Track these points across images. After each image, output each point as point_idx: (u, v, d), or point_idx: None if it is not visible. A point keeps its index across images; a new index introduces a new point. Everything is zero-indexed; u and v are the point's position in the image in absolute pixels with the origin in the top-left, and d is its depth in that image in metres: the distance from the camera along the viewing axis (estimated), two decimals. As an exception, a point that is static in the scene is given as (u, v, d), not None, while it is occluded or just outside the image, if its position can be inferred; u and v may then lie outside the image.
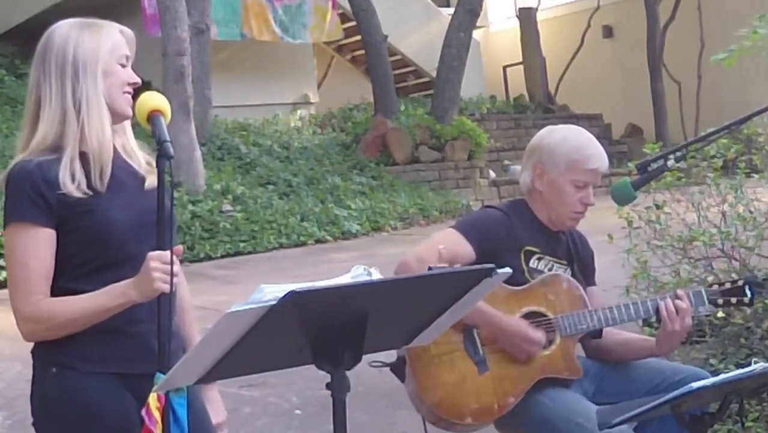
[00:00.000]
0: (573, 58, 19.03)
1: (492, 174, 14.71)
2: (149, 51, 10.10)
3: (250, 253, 10.15)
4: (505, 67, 20.69)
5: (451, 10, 15.76)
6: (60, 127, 2.41)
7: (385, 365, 3.10)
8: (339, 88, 17.31)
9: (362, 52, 16.29)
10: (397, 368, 3.14)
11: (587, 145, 3.25)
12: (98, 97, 2.42)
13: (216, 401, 2.63)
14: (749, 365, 2.42)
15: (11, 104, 13.26)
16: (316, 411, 4.94)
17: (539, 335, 3.08)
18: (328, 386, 1.96)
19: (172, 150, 2.29)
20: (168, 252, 2.26)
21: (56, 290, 2.39)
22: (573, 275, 3.27)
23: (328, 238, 11.04)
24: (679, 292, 3.18)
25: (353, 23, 15.80)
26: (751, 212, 4.87)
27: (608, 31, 19.78)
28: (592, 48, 18.96)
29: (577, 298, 3.19)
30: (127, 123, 2.53)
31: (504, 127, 17.11)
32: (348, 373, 1.96)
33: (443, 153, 14.10)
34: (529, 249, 3.21)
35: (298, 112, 16.19)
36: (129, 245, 2.38)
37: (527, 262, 3.20)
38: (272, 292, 1.83)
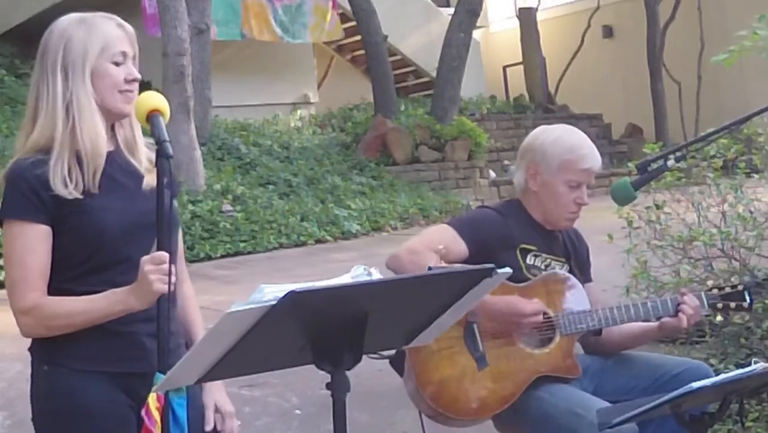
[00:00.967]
0: (573, 58, 19.03)
1: (492, 174, 14.71)
2: (149, 51, 10.06)
3: (250, 253, 10.15)
4: (505, 67, 20.67)
5: (451, 10, 15.75)
6: (53, 128, 2.41)
7: (384, 357, 3.10)
8: (339, 88, 17.30)
9: (362, 52, 16.28)
10: (396, 362, 3.14)
11: (580, 145, 3.25)
12: (88, 98, 2.41)
13: (222, 403, 2.58)
14: (749, 365, 2.42)
15: (11, 104, 13.26)
16: (316, 411, 4.94)
17: (534, 305, 3.07)
18: (328, 386, 1.97)
19: (171, 150, 2.29)
20: (162, 253, 2.25)
21: (52, 290, 2.39)
22: (570, 272, 3.27)
23: (328, 238, 11.04)
24: (688, 294, 3.18)
25: (353, 23, 15.80)
26: (751, 212, 4.88)
27: (608, 31, 19.77)
28: (592, 48, 18.96)
29: (577, 297, 3.20)
30: (134, 117, 2.49)
31: (504, 127, 17.10)
32: (348, 373, 1.96)
33: (443, 153, 14.10)
34: (524, 247, 3.22)
35: (298, 112, 16.19)
36: (122, 247, 2.38)
37: (524, 259, 3.20)
38: (272, 292, 1.83)
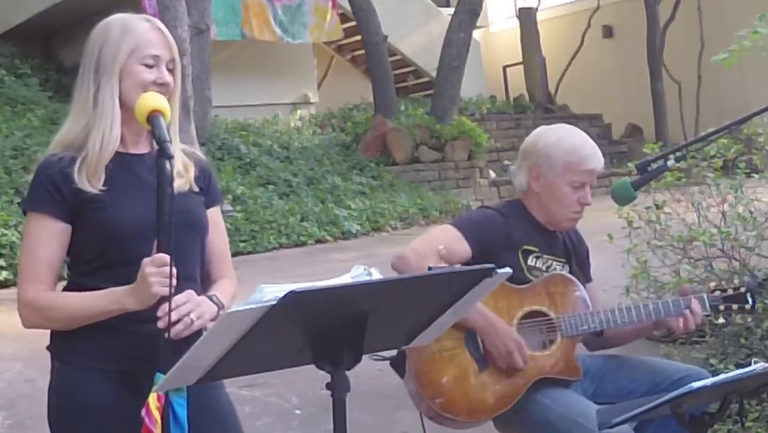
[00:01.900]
0: (573, 58, 19.02)
1: (492, 174, 14.70)
2: (149, 51, 10.09)
3: (250, 253, 10.15)
4: (505, 67, 20.66)
5: (451, 10, 15.75)
6: (84, 127, 2.46)
7: (385, 358, 3.10)
8: (339, 88, 17.30)
9: (362, 52, 16.28)
10: (397, 363, 3.14)
11: (583, 146, 3.25)
12: (112, 97, 2.44)
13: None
14: (749, 365, 2.42)
15: (11, 104, 13.24)
16: (316, 411, 4.94)
17: (522, 351, 3.06)
18: (328, 386, 1.97)
19: (172, 150, 2.30)
20: (163, 255, 2.26)
21: (69, 285, 2.46)
22: (571, 272, 3.27)
23: (328, 238, 11.04)
24: (694, 302, 3.17)
25: (353, 23, 15.79)
26: (751, 212, 4.88)
27: (608, 31, 19.77)
28: (592, 48, 18.95)
29: (579, 298, 3.20)
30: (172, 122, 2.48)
31: (504, 127, 17.10)
32: (348, 373, 1.96)
33: (443, 153, 14.09)
34: (526, 248, 3.21)
35: (298, 112, 16.19)
36: (133, 245, 2.39)
37: (525, 261, 3.20)
38: (272, 292, 1.83)
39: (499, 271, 2.07)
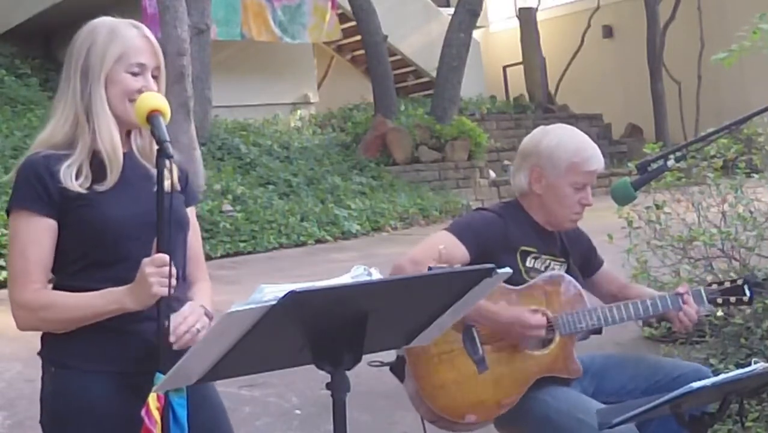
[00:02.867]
0: (573, 58, 19.03)
1: (492, 174, 14.70)
2: (149, 51, 10.09)
3: (250, 253, 10.15)
4: (505, 67, 20.67)
5: (451, 10, 15.75)
6: (71, 127, 2.45)
7: (384, 364, 3.10)
8: (339, 88, 17.30)
9: (362, 52, 16.28)
10: (397, 368, 3.13)
11: (585, 148, 3.26)
12: (102, 103, 2.44)
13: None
14: (749, 365, 2.42)
15: (11, 104, 13.25)
16: (316, 411, 4.94)
17: (538, 317, 3.07)
18: (328, 386, 1.96)
19: (171, 150, 2.29)
20: (163, 255, 2.26)
21: (54, 288, 2.41)
22: (569, 270, 3.27)
23: (328, 238, 11.04)
24: (686, 297, 3.18)
25: (353, 23, 15.79)
26: (751, 212, 4.88)
27: (608, 31, 19.77)
28: (592, 48, 18.96)
29: (576, 297, 3.20)
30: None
31: (504, 127, 17.11)
32: (348, 373, 1.96)
33: (443, 153, 14.09)
34: (524, 249, 3.21)
35: (298, 112, 16.19)
36: (124, 244, 2.38)
37: (524, 262, 3.20)
38: (272, 292, 1.83)
39: (499, 271, 2.07)
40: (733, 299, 3.22)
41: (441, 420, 3.08)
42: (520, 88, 19.15)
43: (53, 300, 2.37)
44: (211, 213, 10.35)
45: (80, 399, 2.38)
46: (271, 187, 12.14)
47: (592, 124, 17.17)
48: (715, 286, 3.26)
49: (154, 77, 2.50)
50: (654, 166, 3.17)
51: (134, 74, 2.46)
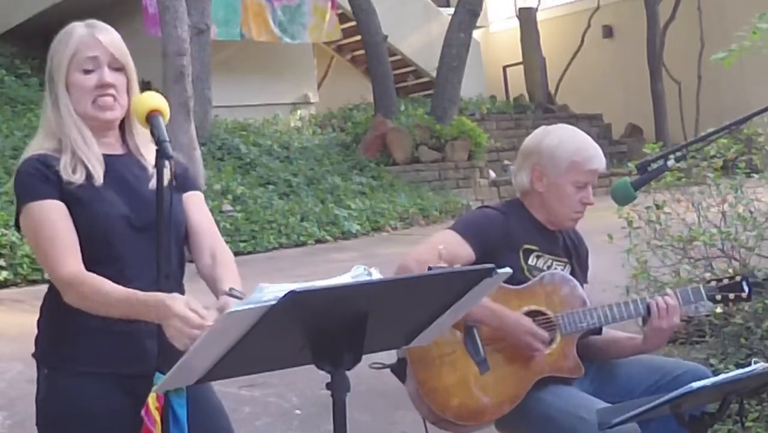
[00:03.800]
0: (573, 58, 19.02)
1: (492, 174, 14.70)
2: (149, 51, 10.10)
3: (250, 253, 10.15)
4: (505, 67, 20.67)
5: (451, 10, 15.75)
6: (54, 134, 2.45)
7: (386, 366, 3.10)
8: (339, 88, 17.30)
9: (362, 52, 16.28)
10: (398, 370, 3.13)
11: (586, 147, 3.27)
12: (67, 108, 2.45)
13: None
14: (749, 365, 2.42)
15: (11, 104, 13.25)
16: (316, 411, 4.94)
17: (543, 332, 3.08)
18: (328, 386, 1.96)
19: (171, 150, 2.29)
20: (200, 321, 2.18)
21: (50, 288, 2.42)
22: (573, 272, 3.27)
23: (328, 238, 11.04)
24: (669, 291, 3.20)
25: (353, 23, 15.79)
26: (751, 212, 4.88)
27: (608, 31, 19.77)
28: (592, 48, 18.95)
29: (577, 296, 3.20)
30: (136, 127, 2.51)
31: (504, 127, 17.10)
32: (348, 373, 1.96)
33: (443, 153, 14.09)
34: (527, 247, 3.22)
35: (298, 112, 16.19)
36: (116, 243, 2.38)
37: (526, 260, 3.21)
38: (272, 292, 1.83)
39: (499, 271, 2.07)
40: (731, 295, 3.22)
41: (443, 421, 3.08)
42: (520, 88, 19.15)
43: (93, 279, 2.31)
44: (211, 213, 10.33)
45: (74, 400, 2.38)
46: (271, 187, 12.14)
47: (592, 124, 17.17)
48: (713, 283, 3.27)
49: (117, 69, 2.46)
50: (654, 166, 3.16)
51: (87, 71, 2.44)
